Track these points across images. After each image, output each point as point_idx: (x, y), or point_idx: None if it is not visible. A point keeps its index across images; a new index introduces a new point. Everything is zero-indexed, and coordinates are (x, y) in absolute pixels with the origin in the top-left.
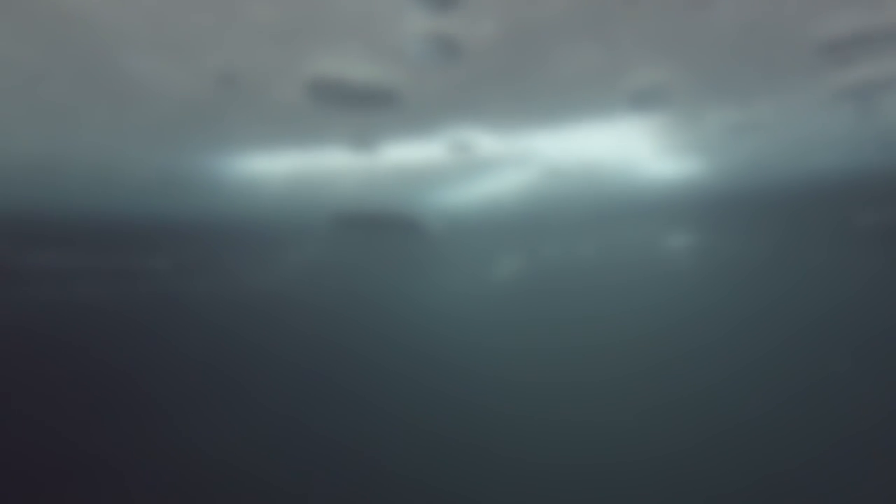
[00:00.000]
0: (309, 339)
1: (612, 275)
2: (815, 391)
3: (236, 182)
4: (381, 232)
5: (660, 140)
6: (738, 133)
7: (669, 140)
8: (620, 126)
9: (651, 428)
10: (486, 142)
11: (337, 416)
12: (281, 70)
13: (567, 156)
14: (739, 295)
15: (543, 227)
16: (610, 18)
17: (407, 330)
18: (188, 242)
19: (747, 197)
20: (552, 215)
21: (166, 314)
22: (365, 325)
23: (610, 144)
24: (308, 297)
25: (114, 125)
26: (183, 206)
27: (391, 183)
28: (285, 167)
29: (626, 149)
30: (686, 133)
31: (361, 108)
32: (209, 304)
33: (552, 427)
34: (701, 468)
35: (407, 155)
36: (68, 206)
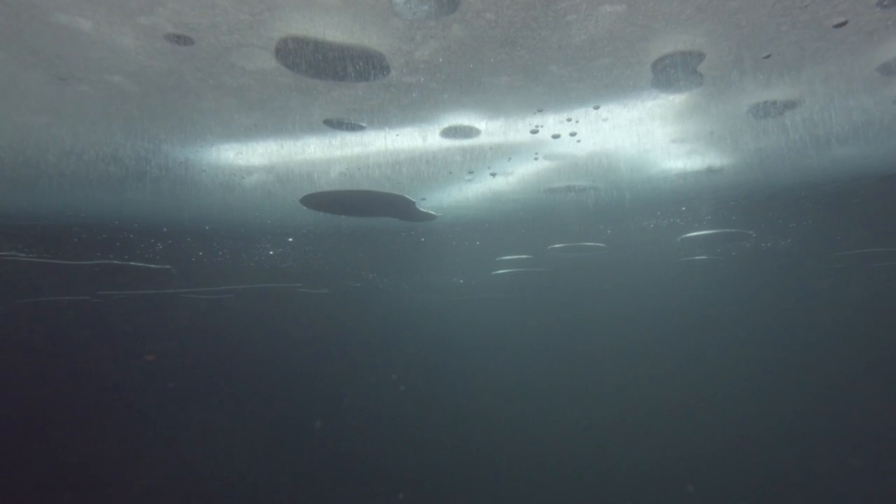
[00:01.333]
0: (294, 338)
1: (633, 276)
2: (850, 390)
3: (205, 172)
4: (371, 230)
5: (688, 122)
6: (775, 115)
7: (698, 123)
8: (643, 106)
9: (673, 431)
10: (487, 124)
11: (326, 417)
12: (244, 30)
13: (582, 141)
14: (772, 291)
15: (552, 223)
16: None
17: (408, 328)
18: (153, 242)
19: (783, 187)
20: (562, 210)
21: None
22: (356, 324)
23: (631, 128)
24: (291, 296)
25: (54, 102)
26: (145, 202)
27: (380, 174)
28: (260, 154)
29: (649, 133)
30: (718, 113)
31: (342, 79)
32: (185, 306)
33: (566, 430)
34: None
35: (397, 140)
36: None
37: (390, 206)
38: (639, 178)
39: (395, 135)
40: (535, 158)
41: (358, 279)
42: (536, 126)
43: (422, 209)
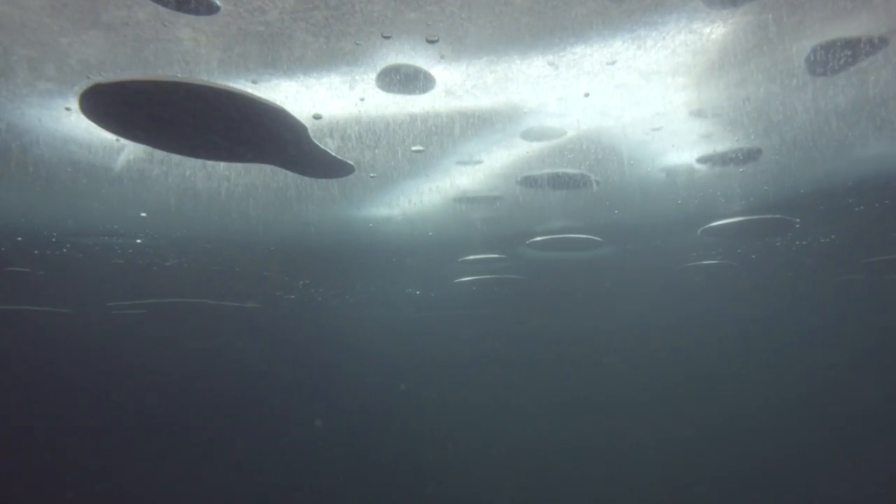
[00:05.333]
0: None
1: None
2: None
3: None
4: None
5: (720, 82)
6: (844, 65)
7: (734, 81)
8: (665, 46)
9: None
10: (446, 70)
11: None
12: None
13: (579, 109)
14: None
15: (538, 222)
16: None
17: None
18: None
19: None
20: (551, 205)
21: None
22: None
23: (642, 85)
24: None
25: None
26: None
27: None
28: None
29: (662, 98)
30: (765, 64)
31: None
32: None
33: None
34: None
35: (314, 91)
36: None
37: (261, 132)
38: (639, 171)
39: (313, 83)
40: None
41: (289, 289)
42: (516, 72)
43: (329, 151)
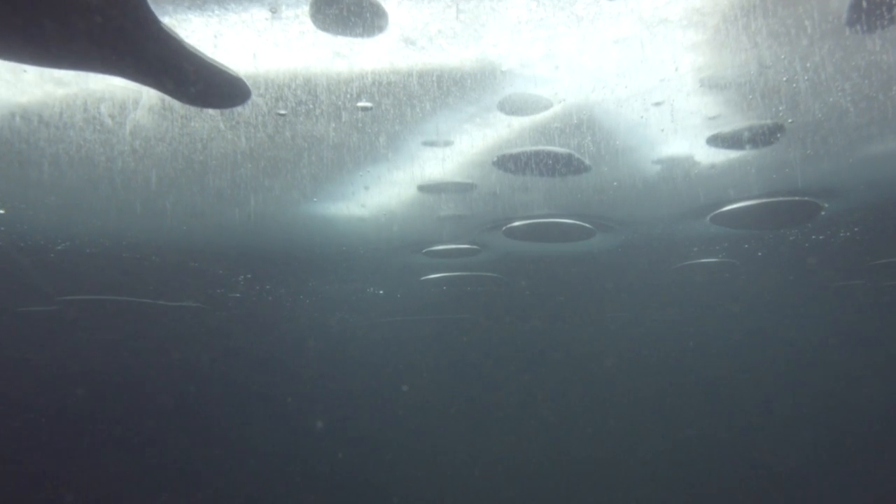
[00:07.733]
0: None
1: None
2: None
3: None
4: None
5: (739, 39)
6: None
7: (756, 36)
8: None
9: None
10: (406, 14)
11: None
12: None
13: (569, 72)
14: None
15: (517, 210)
16: None
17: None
18: None
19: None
20: (535, 191)
21: None
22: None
23: (654, 40)
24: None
25: None
26: None
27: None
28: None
29: (667, 59)
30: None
31: None
32: None
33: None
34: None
35: (229, 29)
36: None
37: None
38: (637, 155)
39: (230, 16)
40: None
41: (230, 286)
42: (491, 12)
43: (200, 52)
